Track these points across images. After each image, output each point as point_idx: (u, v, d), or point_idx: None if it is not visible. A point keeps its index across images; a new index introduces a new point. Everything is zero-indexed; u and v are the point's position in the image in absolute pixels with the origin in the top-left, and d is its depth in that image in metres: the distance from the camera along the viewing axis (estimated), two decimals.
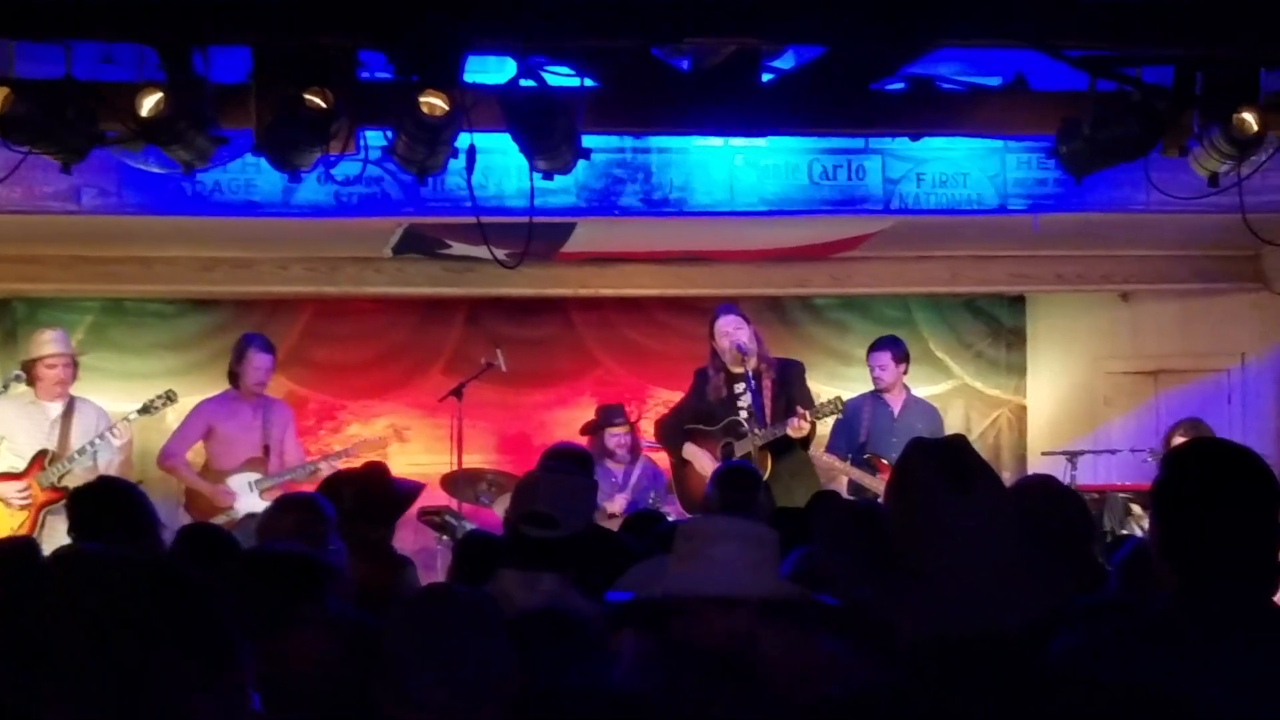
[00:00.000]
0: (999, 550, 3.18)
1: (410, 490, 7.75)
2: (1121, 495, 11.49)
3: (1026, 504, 3.41)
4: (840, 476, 11.91)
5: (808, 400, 10.91)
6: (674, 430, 11.32)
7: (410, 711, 3.75)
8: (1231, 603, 3.57)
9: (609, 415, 12.70)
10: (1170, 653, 3.51)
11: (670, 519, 9.18)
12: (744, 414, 10.82)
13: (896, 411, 11.83)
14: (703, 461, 10.91)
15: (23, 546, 6.23)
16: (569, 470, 6.52)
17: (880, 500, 10.07)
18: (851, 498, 11.10)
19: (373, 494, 7.19)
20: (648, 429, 13.01)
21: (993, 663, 3.11)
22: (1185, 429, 11.84)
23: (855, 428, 11.76)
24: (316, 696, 4.36)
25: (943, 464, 3.23)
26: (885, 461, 11.45)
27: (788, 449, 10.82)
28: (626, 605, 4.82)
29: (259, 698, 2.86)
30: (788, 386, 10.92)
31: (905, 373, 12.01)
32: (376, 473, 7.54)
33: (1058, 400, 14.54)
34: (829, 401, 10.99)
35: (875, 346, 12.13)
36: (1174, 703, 3.37)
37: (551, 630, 4.51)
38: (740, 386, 10.89)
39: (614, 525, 9.72)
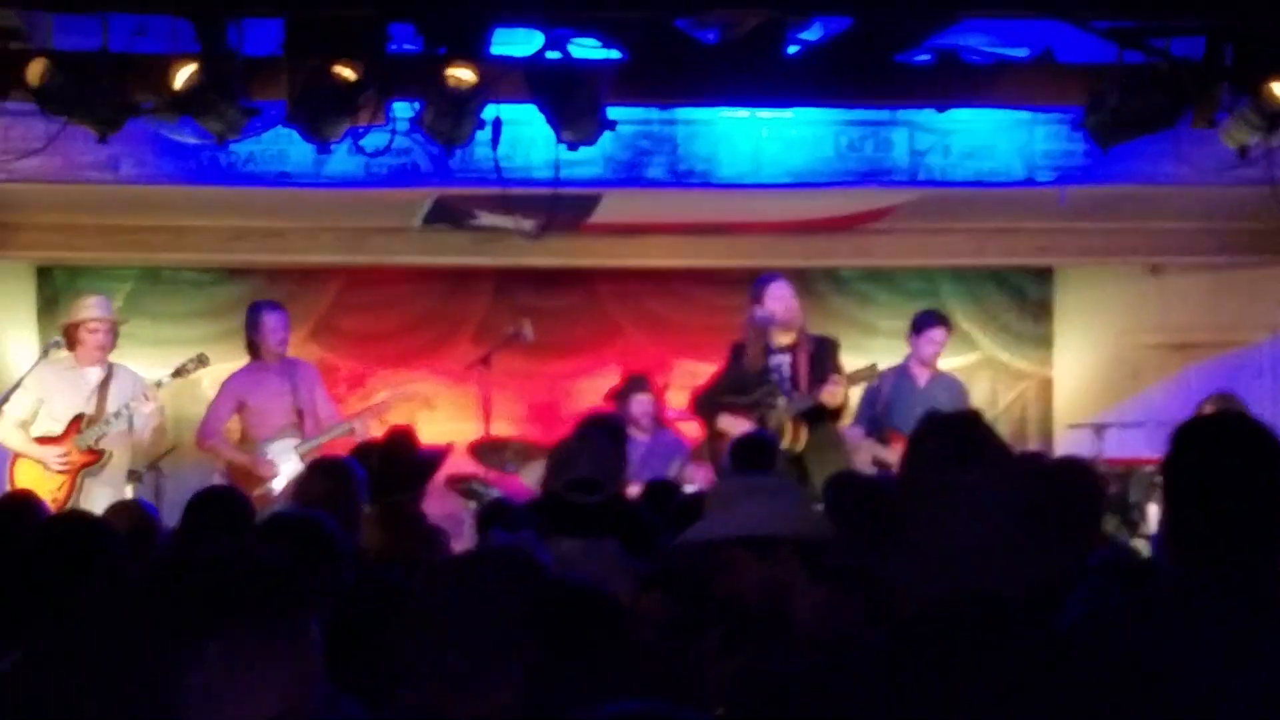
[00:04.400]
0: (1002, 521, 3.24)
1: (435, 455, 7.82)
2: (1148, 469, 11.48)
3: (1035, 479, 3.44)
4: (862, 452, 11.92)
5: (838, 373, 10.88)
6: (709, 402, 11.30)
7: (427, 679, 3.78)
8: (1234, 579, 3.60)
9: (635, 384, 12.75)
10: (1173, 628, 3.56)
11: (690, 490, 9.25)
12: (779, 386, 10.81)
13: (922, 384, 11.77)
14: (735, 427, 10.87)
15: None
16: (600, 436, 6.60)
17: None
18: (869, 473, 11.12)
19: (397, 459, 7.25)
20: (673, 400, 13.06)
21: (990, 628, 3.17)
22: (1215, 402, 11.81)
23: (875, 401, 11.70)
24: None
25: (953, 436, 3.30)
26: (899, 433, 11.43)
27: (822, 420, 10.82)
28: (662, 560, 4.89)
29: None
30: (823, 360, 10.89)
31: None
32: (400, 438, 7.61)
33: (1085, 373, 14.49)
34: (864, 368, 10.95)
35: (928, 322, 12.02)
36: (1174, 677, 3.41)
37: (579, 602, 4.55)
38: (777, 359, 10.90)
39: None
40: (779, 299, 10.86)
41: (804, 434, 10.63)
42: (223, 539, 6.09)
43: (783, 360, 10.86)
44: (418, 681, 3.76)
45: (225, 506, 6.63)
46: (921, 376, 11.80)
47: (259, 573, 2.75)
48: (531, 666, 3.84)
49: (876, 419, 11.72)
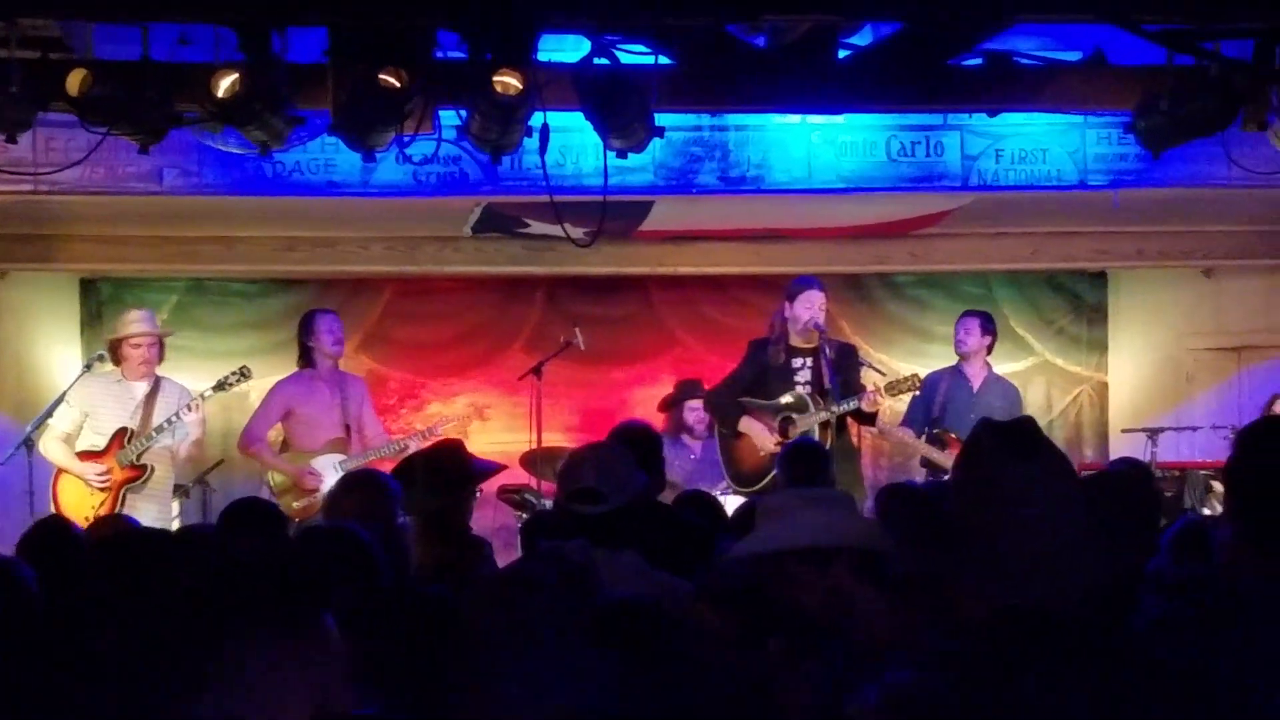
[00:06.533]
0: (1062, 521, 3.19)
1: (484, 469, 7.75)
2: (1202, 473, 11.41)
3: (1096, 480, 3.39)
4: (914, 453, 11.88)
5: (858, 382, 10.88)
6: (726, 401, 11.23)
7: (478, 695, 3.73)
8: None
9: (687, 390, 12.71)
10: (1251, 632, 3.50)
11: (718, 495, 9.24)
12: (804, 389, 10.76)
13: (976, 387, 11.74)
14: (761, 436, 10.85)
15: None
16: (611, 445, 6.53)
17: (948, 479, 10.03)
18: (919, 480, 11.05)
19: (442, 467, 7.21)
20: None
21: (1056, 634, 3.12)
22: None
23: (930, 402, 11.64)
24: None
25: (1010, 438, 3.25)
26: (955, 437, 11.35)
27: (842, 429, 10.79)
28: (715, 572, 4.83)
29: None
30: (845, 368, 10.83)
31: (990, 349, 11.93)
32: (449, 447, 7.57)
33: (1140, 377, 14.41)
34: (906, 378, 10.93)
35: (966, 313, 12.16)
36: (1247, 685, 3.35)
37: (638, 621, 4.49)
38: (798, 361, 10.90)
39: None
40: (809, 305, 10.80)
41: (830, 439, 10.52)
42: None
43: (804, 363, 10.85)
44: (469, 698, 3.71)
45: (259, 517, 6.61)
46: (976, 379, 11.76)
47: (266, 570, 2.68)
48: (586, 681, 3.78)
49: (932, 421, 11.67)
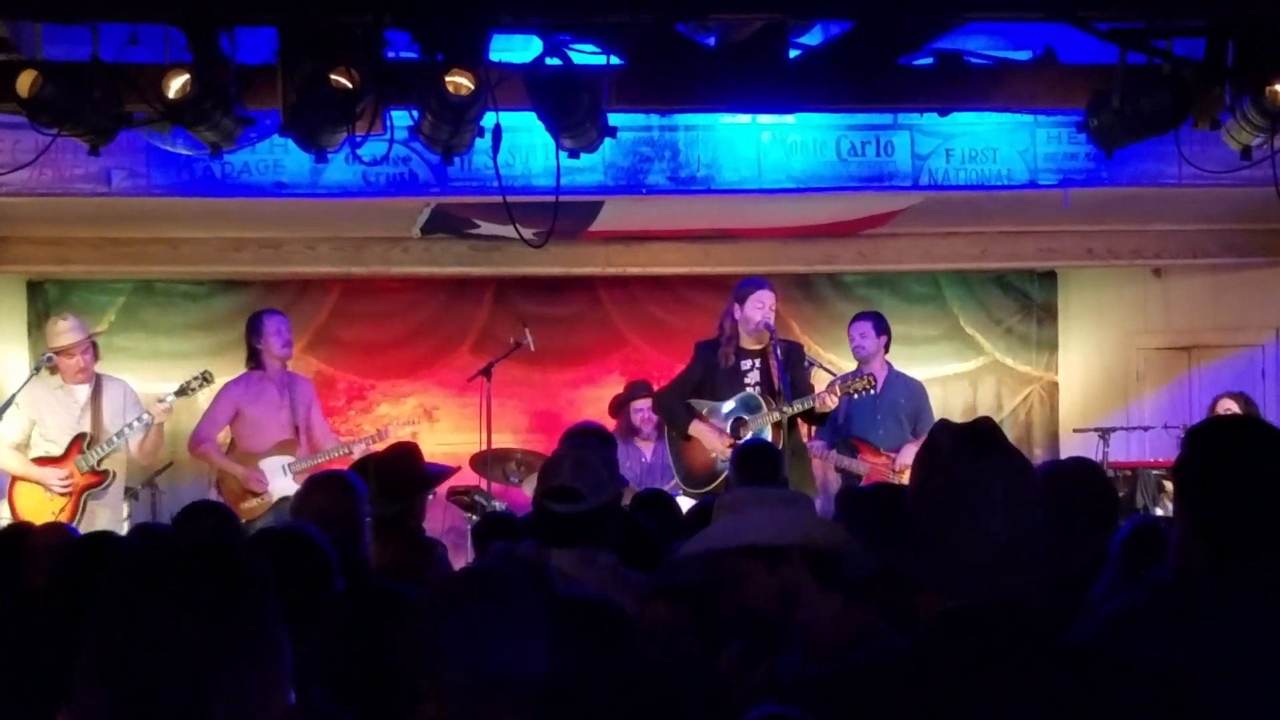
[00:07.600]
0: (1020, 519, 3.19)
1: (438, 472, 7.75)
2: (1154, 472, 11.44)
3: (1051, 477, 3.40)
4: (827, 463, 11.82)
5: (807, 382, 10.86)
6: (675, 402, 11.17)
7: (438, 691, 3.71)
8: (1264, 579, 3.55)
9: (635, 390, 12.68)
10: (1203, 630, 3.51)
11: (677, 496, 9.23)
12: (754, 390, 10.73)
13: (879, 388, 11.47)
14: (712, 438, 10.79)
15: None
16: (590, 445, 6.51)
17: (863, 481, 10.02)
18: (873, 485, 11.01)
19: (396, 471, 7.21)
20: None
21: (1013, 631, 3.12)
22: (1234, 400, 11.67)
23: (835, 410, 11.14)
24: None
25: (969, 436, 3.26)
26: (862, 440, 11.34)
27: (793, 430, 10.73)
28: (668, 568, 4.83)
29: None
30: (793, 367, 10.76)
31: (887, 348, 11.74)
32: (403, 451, 7.56)
33: (1090, 376, 14.47)
34: (861, 379, 10.86)
35: (857, 317, 11.95)
36: (1199, 683, 3.36)
37: (594, 620, 4.47)
38: (747, 362, 10.85)
39: None
40: (760, 306, 10.73)
41: (782, 439, 10.49)
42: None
43: (753, 364, 10.83)
44: (428, 697, 3.70)
45: (213, 519, 6.57)
46: (878, 379, 11.53)
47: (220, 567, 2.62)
48: (545, 681, 3.76)
49: (838, 429, 11.59)
